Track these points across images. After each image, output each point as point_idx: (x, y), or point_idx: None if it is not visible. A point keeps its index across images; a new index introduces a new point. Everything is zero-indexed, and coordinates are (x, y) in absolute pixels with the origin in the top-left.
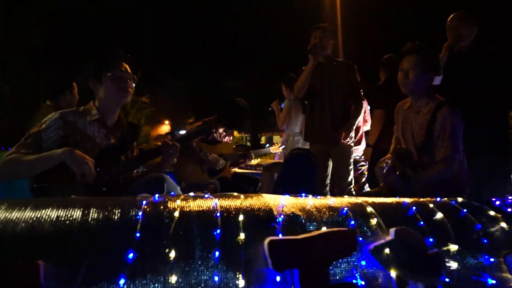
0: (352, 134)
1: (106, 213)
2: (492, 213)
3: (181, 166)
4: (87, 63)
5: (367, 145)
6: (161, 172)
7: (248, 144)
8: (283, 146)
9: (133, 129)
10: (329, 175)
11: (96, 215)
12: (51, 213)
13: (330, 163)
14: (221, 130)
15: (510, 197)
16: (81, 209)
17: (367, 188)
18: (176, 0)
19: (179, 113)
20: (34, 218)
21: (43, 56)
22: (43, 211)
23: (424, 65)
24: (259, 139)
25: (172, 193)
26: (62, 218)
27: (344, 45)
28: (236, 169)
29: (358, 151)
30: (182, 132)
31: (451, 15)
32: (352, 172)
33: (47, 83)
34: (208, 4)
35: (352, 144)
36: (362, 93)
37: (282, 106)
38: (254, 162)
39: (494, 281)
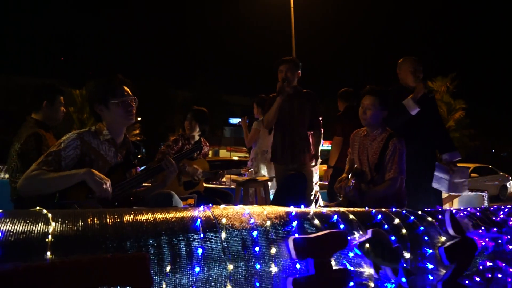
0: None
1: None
2: (429, 218)
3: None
4: (91, 90)
5: (328, 166)
6: (165, 187)
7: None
8: (251, 170)
9: (135, 147)
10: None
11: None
12: (129, 218)
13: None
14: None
15: (439, 207)
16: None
17: (321, 202)
18: (124, 7)
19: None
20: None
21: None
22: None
23: (381, 105)
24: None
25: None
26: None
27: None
28: (205, 184)
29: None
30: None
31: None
32: (314, 190)
33: (29, 93)
34: (158, 12)
35: (315, 165)
36: (321, 120)
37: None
38: (225, 178)
39: (432, 266)
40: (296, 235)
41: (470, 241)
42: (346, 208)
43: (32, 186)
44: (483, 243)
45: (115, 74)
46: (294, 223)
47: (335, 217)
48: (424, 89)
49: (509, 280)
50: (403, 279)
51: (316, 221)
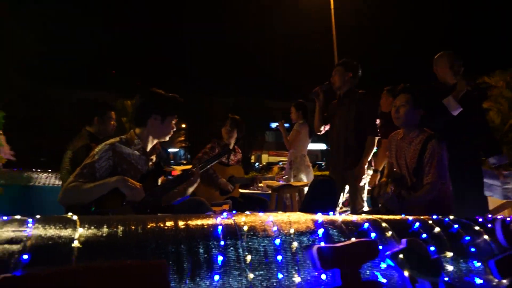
0: (373, 162)
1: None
2: (477, 227)
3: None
4: (154, 97)
5: (375, 170)
6: (184, 196)
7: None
8: (286, 176)
9: (164, 152)
10: (341, 197)
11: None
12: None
13: (346, 187)
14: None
15: (489, 215)
16: (172, 220)
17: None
18: (169, 20)
19: None
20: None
21: (38, 69)
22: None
23: (415, 103)
24: (250, 157)
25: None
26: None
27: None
28: (241, 190)
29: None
30: (172, 150)
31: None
32: (364, 196)
33: (81, 109)
34: (201, 21)
35: (368, 171)
36: (377, 124)
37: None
38: (262, 184)
39: (481, 281)
40: (322, 244)
41: None
42: (380, 216)
43: (70, 197)
44: None
45: (178, 97)
46: (320, 231)
47: (366, 225)
48: (466, 86)
49: None
50: None
51: (345, 229)
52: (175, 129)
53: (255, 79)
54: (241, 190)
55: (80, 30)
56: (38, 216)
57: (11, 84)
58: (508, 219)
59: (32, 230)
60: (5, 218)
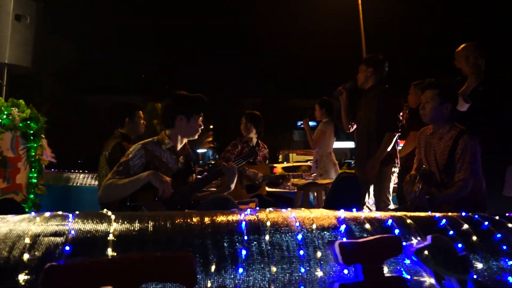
0: (397, 160)
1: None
2: (510, 225)
3: None
4: (179, 100)
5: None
6: (228, 190)
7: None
8: (314, 174)
9: (194, 154)
10: (366, 195)
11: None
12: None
13: (370, 186)
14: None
15: None
16: (197, 217)
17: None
18: (195, 21)
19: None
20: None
21: (72, 76)
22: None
23: (440, 97)
24: (277, 156)
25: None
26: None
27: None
28: (268, 188)
29: None
30: (200, 150)
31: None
32: (389, 195)
33: (111, 112)
34: (228, 19)
35: (393, 169)
36: (398, 119)
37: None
38: (290, 183)
39: None
40: (344, 239)
41: None
42: (404, 213)
43: (109, 193)
44: None
45: (204, 97)
46: (343, 227)
47: (390, 221)
48: (476, 81)
49: None
50: None
51: (367, 226)
52: (202, 127)
53: (282, 77)
54: (268, 189)
55: (114, 35)
56: (77, 212)
57: (51, 91)
58: None
59: (73, 224)
60: (48, 214)
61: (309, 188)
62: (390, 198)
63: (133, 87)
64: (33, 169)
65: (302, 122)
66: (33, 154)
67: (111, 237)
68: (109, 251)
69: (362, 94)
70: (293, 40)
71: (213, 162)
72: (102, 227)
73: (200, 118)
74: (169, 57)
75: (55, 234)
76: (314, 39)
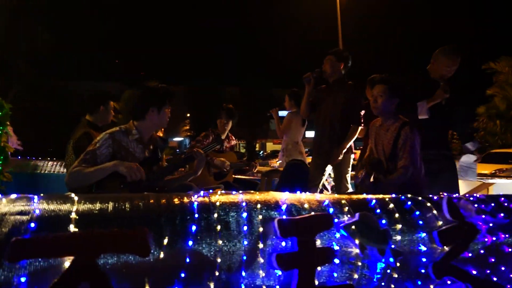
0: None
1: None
2: (428, 204)
3: None
4: (150, 92)
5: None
6: (195, 175)
7: (243, 150)
8: (280, 161)
9: (162, 141)
10: (322, 181)
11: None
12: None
13: (327, 170)
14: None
15: (443, 194)
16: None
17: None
18: (175, 7)
19: (173, 120)
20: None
21: (46, 61)
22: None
23: (390, 92)
24: (254, 145)
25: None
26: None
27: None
28: (235, 175)
29: None
30: (176, 139)
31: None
32: (347, 183)
33: (87, 98)
34: (206, 10)
35: (352, 156)
36: (362, 114)
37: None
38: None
39: (425, 248)
40: (284, 217)
41: (468, 226)
42: (342, 195)
43: (74, 180)
44: (487, 228)
45: (169, 87)
46: (284, 207)
47: (326, 202)
48: (443, 96)
49: None
50: (391, 259)
51: (306, 205)
52: (170, 116)
53: (260, 67)
54: (234, 176)
55: (88, 21)
56: (41, 195)
57: (20, 75)
58: (456, 196)
59: (38, 204)
60: (14, 195)
61: (272, 175)
62: (349, 182)
63: (108, 73)
64: None
65: (271, 111)
66: None
67: (73, 215)
68: (71, 228)
69: (326, 85)
70: (272, 30)
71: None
72: (65, 207)
73: (169, 109)
74: (146, 43)
75: (21, 213)
76: (293, 30)
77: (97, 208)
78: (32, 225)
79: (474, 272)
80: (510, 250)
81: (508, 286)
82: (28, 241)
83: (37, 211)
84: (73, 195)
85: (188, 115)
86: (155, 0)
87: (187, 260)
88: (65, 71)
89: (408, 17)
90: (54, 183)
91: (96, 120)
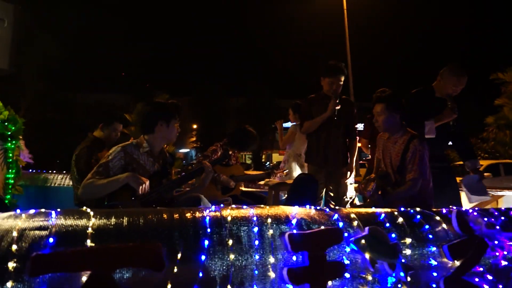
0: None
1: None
2: (437, 218)
3: None
4: (159, 106)
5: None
6: (204, 187)
7: (249, 161)
8: (287, 171)
9: (171, 157)
10: (323, 193)
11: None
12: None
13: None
14: (230, 152)
15: (453, 207)
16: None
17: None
18: (178, 20)
19: (180, 132)
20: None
21: (57, 75)
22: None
23: (389, 110)
24: (261, 156)
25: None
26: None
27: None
28: (243, 188)
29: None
30: (183, 150)
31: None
32: (350, 192)
33: (99, 117)
34: (210, 21)
35: (348, 173)
36: (357, 129)
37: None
38: (261, 182)
39: (436, 262)
40: (294, 231)
41: (478, 240)
42: (351, 209)
43: (88, 192)
44: (497, 242)
45: (177, 101)
46: (294, 221)
47: (336, 216)
48: (451, 116)
49: None
50: (402, 274)
51: (316, 219)
52: (179, 131)
53: (266, 77)
54: (242, 189)
55: (95, 33)
56: (59, 210)
57: (30, 88)
58: (470, 210)
59: (55, 220)
60: (32, 211)
61: (279, 188)
62: (354, 195)
63: (114, 85)
64: (10, 170)
65: (276, 123)
66: (11, 155)
67: (90, 230)
68: (88, 243)
69: (324, 103)
70: (278, 41)
71: (194, 163)
72: (82, 222)
73: (178, 123)
74: (154, 56)
75: (40, 228)
76: (299, 41)
77: (112, 223)
78: (51, 240)
79: (486, 287)
80: None
81: None
82: (48, 256)
83: (56, 226)
84: (88, 210)
85: (195, 126)
86: (161, 13)
87: (200, 274)
88: (73, 83)
89: (415, 26)
90: (64, 196)
91: (104, 137)
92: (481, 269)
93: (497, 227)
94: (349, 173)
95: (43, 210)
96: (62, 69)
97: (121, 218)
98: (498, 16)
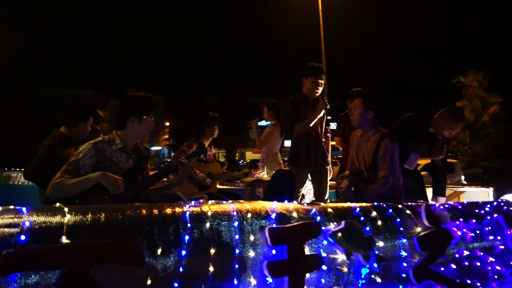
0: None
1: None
2: (408, 211)
3: None
4: (130, 101)
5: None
6: (180, 185)
7: (223, 159)
8: (263, 173)
9: (146, 151)
10: (302, 191)
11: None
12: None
13: (307, 183)
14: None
15: (420, 201)
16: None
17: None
18: (155, 17)
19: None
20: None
21: (21, 70)
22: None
23: (365, 105)
24: (234, 154)
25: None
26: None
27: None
28: (219, 186)
29: None
30: (155, 148)
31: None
32: (328, 190)
33: (68, 110)
34: (186, 20)
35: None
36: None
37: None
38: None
39: (406, 254)
40: (274, 226)
41: (444, 232)
42: (328, 204)
43: (57, 192)
44: (460, 234)
45: (153, 96)
46: (273, 215)
47: (313, 210)
48: (437, 157)
49: (489, 268)
50: (375, 265)
51: (295, 214)
52: (153, 127)
53: (240, 76)
54: (218, 186)
55: (68, 29)
56: (30, 206)
57: None
58: (436, 204)
59: (27, 216)
60: (0, 208)
61: (256, 185)
62: (328, 195)
63: (85, 81)
64: None
65: (251, 122)
66: None
67: (65, 227)
68: (64, 240)
69: (307, 103)
70: (253, 40)
71: (168, 160)
72: (56, 218)
73: (151, 118)
74: (126, 51)
75: (10, 225)
76: (274, 41)
77: (89, 219)
78: (23, 237)
79: (450, 275)
80: (481, 253)
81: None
82: (19, 254)
83: (27, 223)
84: (63, 206)
85: (168, 124)
86: (135, 7)
87: (180, 269)
88: (38, 79)
89: (384, 29)
90: (29, 195)
91: (72, 134)
92: (446, 259)
93: (461, 220)
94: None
95: (12, 206)
96: (25, 64)
97: (99, 214)
98: (460, 24)
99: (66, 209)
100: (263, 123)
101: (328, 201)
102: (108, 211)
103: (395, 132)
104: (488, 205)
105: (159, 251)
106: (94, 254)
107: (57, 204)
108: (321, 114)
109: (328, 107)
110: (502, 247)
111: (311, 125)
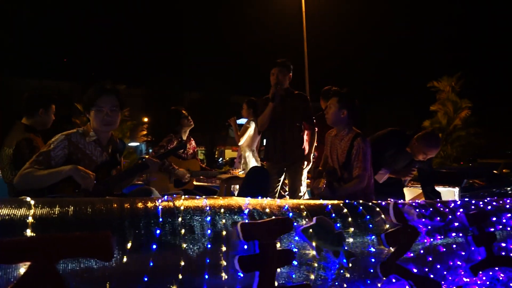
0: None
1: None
2: (377, 209)
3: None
4: (85, 95)
5: None
6: (148, 182)
7: (202, 157)
8: (240, 170)
9: (121, 144)
10: (279, 187)
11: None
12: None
13: (281, 178)
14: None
15: (390, 199)
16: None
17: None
18: (135, 13)
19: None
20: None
21: None
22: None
23: (339, 104)
24: (214, 152)
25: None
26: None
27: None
28: (195, 182)
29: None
30: (132, 144)
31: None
32: (304, 187)
33: (24, 99)
34: (167, 14)
35: (305, 163)
36: (314, 118)
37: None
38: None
39: (374, 249)
40: (247, 221)
41: (411, 229)
42: (301, 200)
43: (25, 182)
44: (426, 230)
45: (101, 82)
46: (246, 211)
47: (286, 206)
48: (404, 178)
49: (451, 263)
50: (344, 260)
51: (267, 210)
52: (110, 118)
53: (220, 73)
54: (195, 183)
55: (42, 16)
56: None
57: None
58: (401, 201)
59: None
60: None
61: (232, 181)
62: (303, 191)
63: (59, 72)
64: None
65: (229, 120)
66: None
67: (30, 220)
68: (28, 232)
69: (273, 96)
70: (233, 37)
71: (146, 156)
72: (21, 211)
73: (105, 108)
74: (103, 41)
75: None
76: (257, 39)
77: (56, 213)
78: None
79: (415, 270)
80: (444, 250)
81: (442, 282)
82: None
83: None
84: (28, 198)
85: (146, 119)
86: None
87: (151, 264)
88: (14, 68)
89: (364, 32)
90: None
91: (35, 124)
92: (412, 254)
93: (427, 217)
94: (306, 163)
95: None
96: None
97: (67, 207)
98: (435, 29)
99: (32, 202)
100: (242, 120)
101: (306, 196)
102: (77, 204)
103: (376, 142)
104: (453, 204)
105: (129, 245)
106: (60, 247)
107: (22, 197)
108: (273, 102)
109: (281, 93)
110: (464, 243)
111: (267, 116)
